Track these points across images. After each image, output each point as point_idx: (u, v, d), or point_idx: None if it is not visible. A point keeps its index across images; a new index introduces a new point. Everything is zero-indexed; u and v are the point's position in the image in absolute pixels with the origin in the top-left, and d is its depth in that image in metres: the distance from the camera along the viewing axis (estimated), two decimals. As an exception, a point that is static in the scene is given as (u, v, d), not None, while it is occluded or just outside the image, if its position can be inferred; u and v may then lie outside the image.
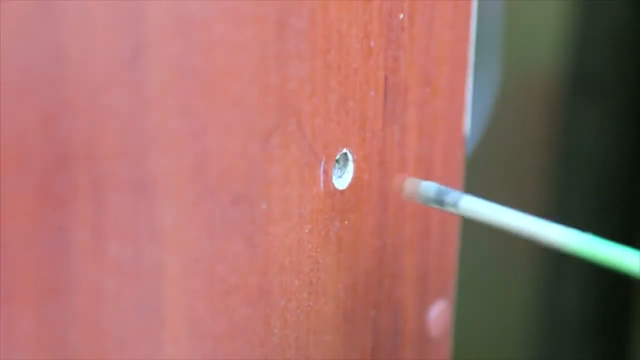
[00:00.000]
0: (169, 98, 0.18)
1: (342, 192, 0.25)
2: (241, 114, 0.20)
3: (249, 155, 0.21)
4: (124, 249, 0.18)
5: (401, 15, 0.25)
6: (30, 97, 0.16)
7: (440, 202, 0.24)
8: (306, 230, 0.24)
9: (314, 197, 0.24)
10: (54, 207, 0.17)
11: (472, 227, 0.32)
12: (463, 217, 0.25)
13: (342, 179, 0.25)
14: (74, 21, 0.16)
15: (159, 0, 0.18)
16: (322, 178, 0.24)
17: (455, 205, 0.24)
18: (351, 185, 0.25)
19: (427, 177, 0.29)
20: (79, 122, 0.17)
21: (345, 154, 0.24)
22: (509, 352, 0.79)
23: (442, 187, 0.25)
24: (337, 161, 0.24)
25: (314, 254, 0.24)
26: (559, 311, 0.76)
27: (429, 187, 0.25)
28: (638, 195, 0.74)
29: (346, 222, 0.25)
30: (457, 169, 0.31)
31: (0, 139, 0.16)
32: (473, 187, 0.32)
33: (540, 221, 0.22)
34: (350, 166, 0.25)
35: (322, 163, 0.24)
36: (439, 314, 0.33)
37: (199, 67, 0.19)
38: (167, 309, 0.20)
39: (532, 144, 0.78)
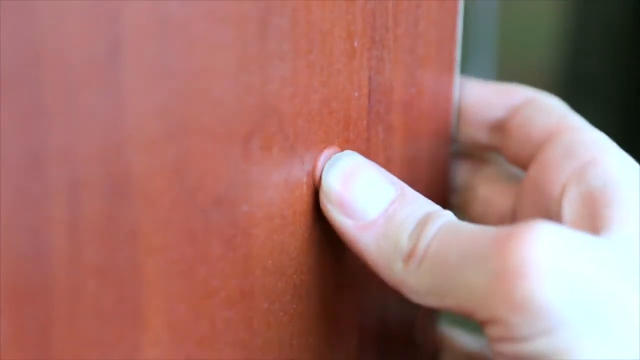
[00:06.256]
0: (146, 99, 0.18)
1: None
2: (221, 114, 0.20)
3: (229, 156, 0.21)
4: (101, 252, 0.18)
5: (385, 15, 0.25)
6: (5, 97, 0.16)
7: None
8: (289, 232, 0.23)
9: (297, 198, 0.23)
10: (29, 209, 0.17)
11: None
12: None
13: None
14: (48, 20, 0.16)
15: (135, -1, 0.18)
16: (305, 179, 0.24)
17: None
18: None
19: (413, 178, 0.28)
20: (54, 123, 0.17)
21: (329, 154, 0.24)
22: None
23: None
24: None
25: (297, 255, 0.24)
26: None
27: None
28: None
29: (330, 224, 0.25)
30: (443, 170, 0.30)
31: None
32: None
33: None
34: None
35: (305, 164, 0.23)
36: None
37: (178, 67, 0.19)
38: (147, 312, 0.20)
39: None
